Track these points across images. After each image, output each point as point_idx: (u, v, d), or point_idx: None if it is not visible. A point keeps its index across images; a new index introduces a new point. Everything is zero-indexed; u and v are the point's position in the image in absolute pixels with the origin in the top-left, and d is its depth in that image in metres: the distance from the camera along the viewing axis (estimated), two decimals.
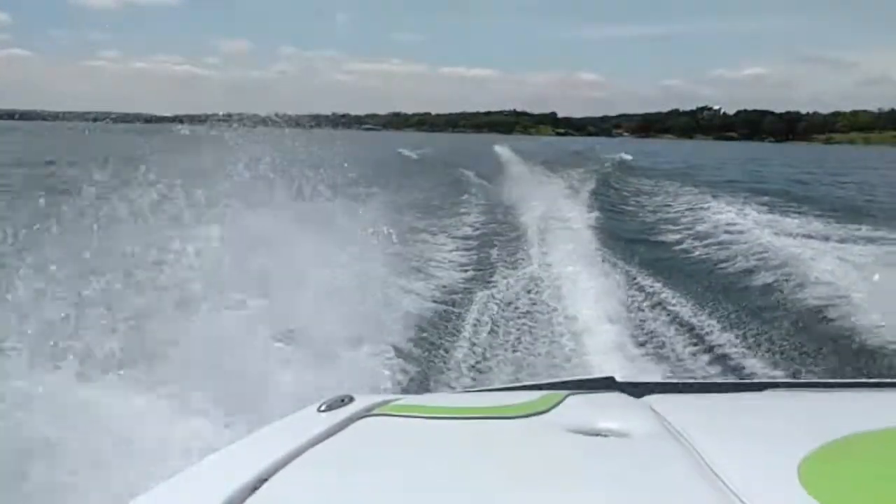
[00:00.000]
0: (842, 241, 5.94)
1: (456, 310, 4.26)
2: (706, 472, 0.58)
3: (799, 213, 8.62)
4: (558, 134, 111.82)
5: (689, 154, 35.34)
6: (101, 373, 2.35)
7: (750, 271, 5.39)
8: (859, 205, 10.32)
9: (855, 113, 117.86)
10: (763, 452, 0.63)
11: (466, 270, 5.57)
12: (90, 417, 2.01)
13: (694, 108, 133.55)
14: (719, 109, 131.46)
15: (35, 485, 1.76)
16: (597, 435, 0.69)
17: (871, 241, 5.72)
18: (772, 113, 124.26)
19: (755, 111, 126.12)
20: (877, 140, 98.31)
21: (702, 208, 9.38)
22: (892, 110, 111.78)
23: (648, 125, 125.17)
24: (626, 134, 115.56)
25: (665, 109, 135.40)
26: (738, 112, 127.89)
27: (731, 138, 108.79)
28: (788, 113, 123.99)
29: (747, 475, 0.57)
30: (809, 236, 6.32)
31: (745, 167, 23.63)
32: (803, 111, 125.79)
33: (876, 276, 4.21)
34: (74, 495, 1.74)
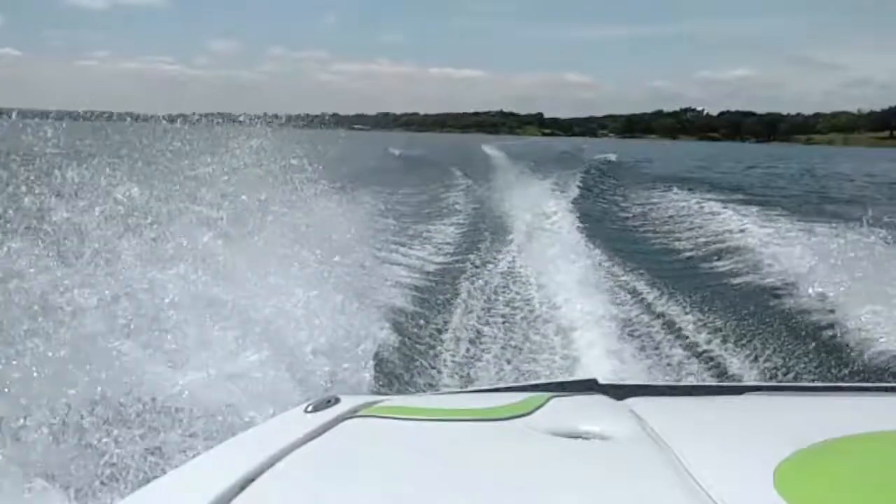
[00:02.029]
0: (828, 245, 6.06)
1: (442, 310, 4.26)
2: (683, 476, 0.59)
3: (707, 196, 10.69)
4: (544, 134, 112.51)
5: (656, 152, 36.40)
6: None
7: (736, 274, 5.45)
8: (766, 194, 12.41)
9: (835, 114, 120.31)
10: (740, 456, 0.64)
11: (452, 269, 5.58)
12: None
13: (678, 109, 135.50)
14: (702, 110, 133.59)
15: None
16: (578, 438, 0.70)
17: (859, 245, 5.85)
18: (754, 114, 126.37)
19: (738, 112, 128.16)
20: (855, 141, 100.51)
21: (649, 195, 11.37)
22: (871, 112, 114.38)
23: (633, 126, 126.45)
24: (611, 135, 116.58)
25: (651, 110, 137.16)
26: (722, 113, 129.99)
27: (714, 139, 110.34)
28: (770, 114, 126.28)
29: (723, 479, 0.58)
30: (795, 239, 6.44)
31: (692, 163, 25.54)
32: (790, 112, 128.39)
33: (859, 281, 4.28)
34: None
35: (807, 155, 42.43)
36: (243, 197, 4.18)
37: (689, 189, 11.83)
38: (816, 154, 44.73)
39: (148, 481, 0.64)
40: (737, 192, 11.83)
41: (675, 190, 11.74)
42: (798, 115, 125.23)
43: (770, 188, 14.02)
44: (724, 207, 9.02)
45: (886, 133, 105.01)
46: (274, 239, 3.74)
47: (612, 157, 21.65)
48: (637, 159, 24.43)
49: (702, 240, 7.27)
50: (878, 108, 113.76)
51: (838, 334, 3.67)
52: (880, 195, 12.72)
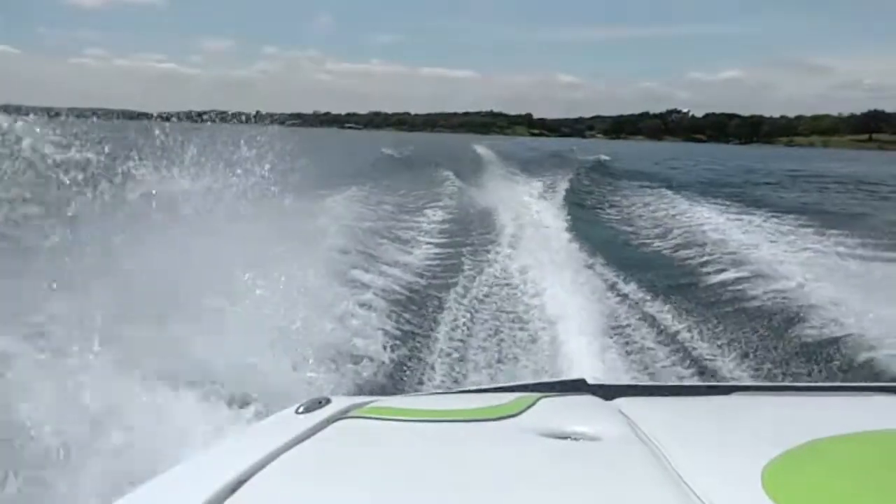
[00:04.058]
0: (815, 246, 6.21)
1: (433, 310, 4.26)
2: (671, 476, 0.60)
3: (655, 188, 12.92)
4: (533, 135, 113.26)
5: (631, 152, 37.54)
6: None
7: (723, 275, 5.50)
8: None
9: (817, 117, 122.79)
10: (728, 457, 0.64)
11: (444, 269, 5.58)
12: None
13: (664, 110, 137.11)
14: (688, 112, 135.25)
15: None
16: (566, 438, 0.70)
17: (843, 247, 6.00)
18: (738, 116, 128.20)
19: (723, 114, 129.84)
20: (835, 143, 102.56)
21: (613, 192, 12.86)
22: (852, 115, 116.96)
23: (620, 127, 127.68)
24: (598, 135, 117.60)
25: (639, 112, 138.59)
26: (707, 115, 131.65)
27: (700, 140, 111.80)
28: (753, 116, 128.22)
29: (711, 479, 0.58)
30: (783, 241, 6.56)
31: (654, 160, 28.26)
32: (782, 114, 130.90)
33: (846, 282, 4.38)
34: None
35: (768, 155, 45.74)
36: (235, 195, 4.14)
37: (633, 179, 15.07)
38: (778, 154, 48.62)
39: (140, 483, 0.64)
40: (665, 181, 15.11)
41: (625, 181, 14.44)
42: (782, 117, 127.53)
43: (695, 178, 17.60)
44: (652, 191, 12.30)
45: (866, 136, 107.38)
46: (264, 238, 3.71)
47: (605, 157, 22.42)
48: (611, 158, 25.40)
49: (676, 238, 7.40)
50: (859, 112, 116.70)
51: (826, 334, 3.72)
52: (775, 185, 16.32)
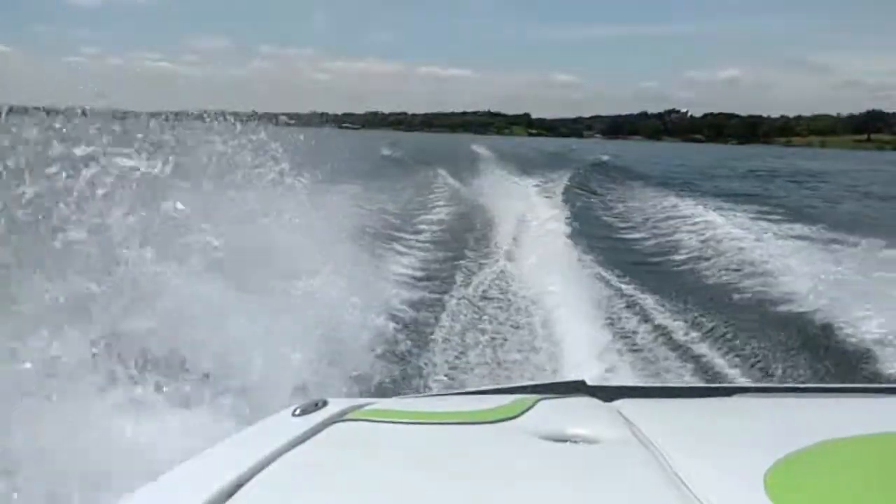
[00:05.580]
0: (816, 246, 6.23)
1: (430, 311, 4.25)
2: (672, 480, 0.59)
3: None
4: (531, 134, 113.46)
5: (620, 151, 37.97)
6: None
7: (724, 276, 5.50)
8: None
9: (816, 117, 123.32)
10: (730, 460, 0.64)
11: (443, 270, 5.57)
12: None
13: (663, 110, 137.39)
14: (686, 112, 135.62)
15: None
16: (566, 441, 0.70)
17: (845, 248, 6.04)
18: (737, 116, 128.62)
19: (721, 114, 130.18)
20: (833, 143, 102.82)
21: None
22: (850, 115, 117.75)
23: (618, 127, 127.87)
24: (597, 135, 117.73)
25: (637, 111, 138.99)
26: (705, 115, 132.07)
27: (698, 140, 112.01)
28: (752, 116, 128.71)
29: (713, 483, 0.57)
30: (784, 242, 6.58)
31: (647, 159, 30.29)
32: (777, 114, 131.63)
33: (849, 283, 4.40)
34: None
35: (755, 154, 47.45)
36: (232, 194, 4.13)
37: (626, 175, 17.07)
38: (767, 153, 49.84)
39: (134, 488, 0.63)
40: (638, 174, 17.63)
41: (600, 174, 16.59)
42: (781, 117, 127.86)
43: (661, 173, 19.62)
44: (620, 183, 14.52)
45: (864, 136, 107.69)
46: (261, 239, 3.69)
47: (605, 157, 22.93)
48: (612, 158, 25.95)
49: (679, 237, 7.43)
50: (858, 112, 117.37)
51: (829, 335, 3.71)
52: (728, 178, 18.87)
